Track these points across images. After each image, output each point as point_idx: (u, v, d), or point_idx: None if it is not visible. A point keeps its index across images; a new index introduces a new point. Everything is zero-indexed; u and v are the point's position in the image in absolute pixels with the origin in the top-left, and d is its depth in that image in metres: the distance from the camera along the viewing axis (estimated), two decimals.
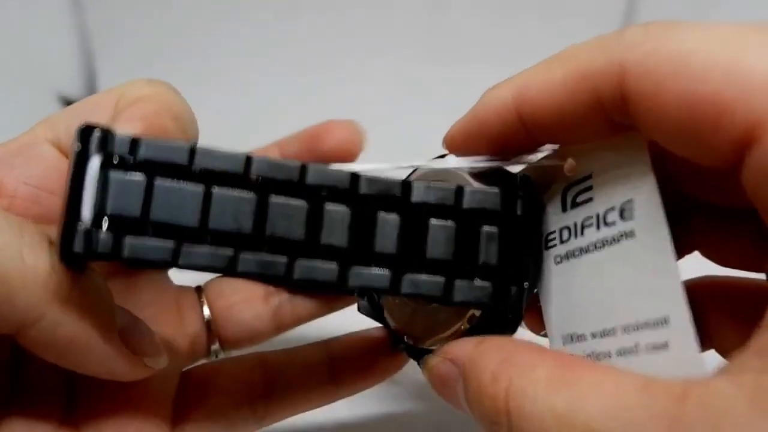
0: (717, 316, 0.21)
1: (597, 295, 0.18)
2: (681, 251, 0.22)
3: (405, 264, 0.19)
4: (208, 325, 0.26)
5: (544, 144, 0.20)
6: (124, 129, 0.18)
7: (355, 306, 0.26)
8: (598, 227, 0.18)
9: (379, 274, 0.19)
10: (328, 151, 0.25)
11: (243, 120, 0.45)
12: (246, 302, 0.26)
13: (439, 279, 0.19)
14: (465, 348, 0.18)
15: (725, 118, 0.14)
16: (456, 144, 0.20)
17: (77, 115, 0.21)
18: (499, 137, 0.19)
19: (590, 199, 0.19)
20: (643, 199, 0.17)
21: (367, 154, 0.26)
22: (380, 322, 0.25)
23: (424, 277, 0.19)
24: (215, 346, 0.26)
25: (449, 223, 0.19)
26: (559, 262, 0.20)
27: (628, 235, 0.17)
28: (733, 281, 0.21)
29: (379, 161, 0.20)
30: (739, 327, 0.20)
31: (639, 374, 0.14)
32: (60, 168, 0.21)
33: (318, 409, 0.26)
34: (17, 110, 0.46)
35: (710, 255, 0.21)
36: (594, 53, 0.16)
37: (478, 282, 0.19)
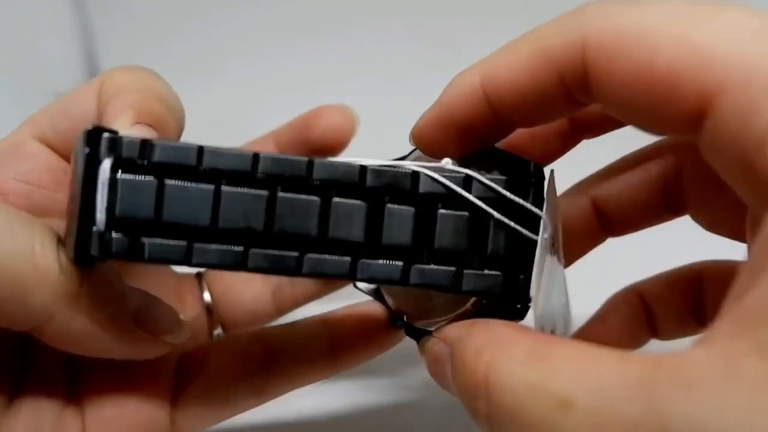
0: (715, 299, 0.21)
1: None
2: (675, 213, 0.22)
3: (414, 255, 0.19)
4: (209, 309, 0.26)
5: (513, 129, 0.20)
6: (122, 124, 0.19)
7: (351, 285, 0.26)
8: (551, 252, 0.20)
9: (388, 266, 0.19)
10: (320, 135, 0.26)
11: (241, 110, 0.46)
12: (245, 283, 0.26)
13: (448, 269, 0.19)
14: (457, 329, 0.18)
15: (679, 89, 0.15)
16: (425, 136, 0.20)
17: (60, 110, 0.22)
18: (468, 125, 0.19)
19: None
20: None
21: (358, 138, 0.27)
22: (378, 300, 0.25)
23: (432, 267, 0.19)
24: (218, 331, 0.27)
25: (457, 213, 0.19)
26: None
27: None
28: (731, 265, 0.21)
29: (369, 143, 0.20)
30: None
31: (614, 349, 0.14)
32: (48, 162, 0.22)
33: (317, 405, 0.26)
34: (17, 111, 0.46)
35: (699, 219, 0.22)
36: (555, 31, 0.17)
37: (486, 272, 0.19)
